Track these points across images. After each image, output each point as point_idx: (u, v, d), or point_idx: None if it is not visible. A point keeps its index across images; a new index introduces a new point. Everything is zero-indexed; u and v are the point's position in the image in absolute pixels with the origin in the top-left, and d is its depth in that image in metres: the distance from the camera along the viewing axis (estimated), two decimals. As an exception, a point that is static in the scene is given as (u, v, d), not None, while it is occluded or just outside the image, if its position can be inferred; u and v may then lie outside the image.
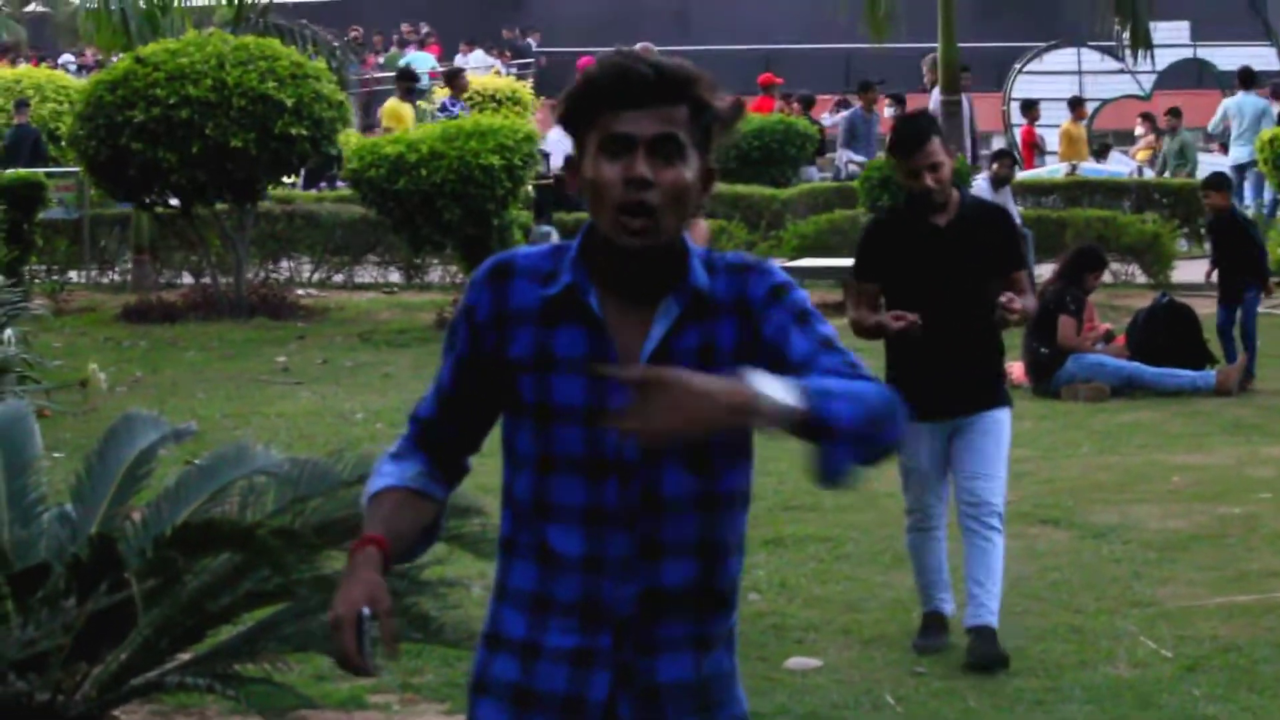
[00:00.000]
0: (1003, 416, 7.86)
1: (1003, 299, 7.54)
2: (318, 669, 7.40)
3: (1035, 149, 30.02)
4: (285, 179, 22.29)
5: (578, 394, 3.40)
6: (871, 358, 4.87)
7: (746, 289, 3.43)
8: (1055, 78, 34.21)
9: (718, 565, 3.47)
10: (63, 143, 22.85)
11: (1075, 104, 30.17)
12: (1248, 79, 27.31)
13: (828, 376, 3.29)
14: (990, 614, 7.78)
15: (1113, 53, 33.53)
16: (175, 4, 23.09)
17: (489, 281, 3.49)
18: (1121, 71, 33.82)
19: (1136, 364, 15.12)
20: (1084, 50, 34.75)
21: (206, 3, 25.77)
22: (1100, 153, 29.34)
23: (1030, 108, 30.12)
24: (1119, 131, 33.53)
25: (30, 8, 38.72)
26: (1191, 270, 19.49)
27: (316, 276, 22.97)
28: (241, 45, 19.65)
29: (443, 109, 23.46)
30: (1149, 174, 27.97)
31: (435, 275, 22.64)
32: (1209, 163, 27.88)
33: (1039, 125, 30.19)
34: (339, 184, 26.01)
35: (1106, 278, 16.99)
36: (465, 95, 25.18)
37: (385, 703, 7.30)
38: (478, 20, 41.35)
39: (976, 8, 33.65)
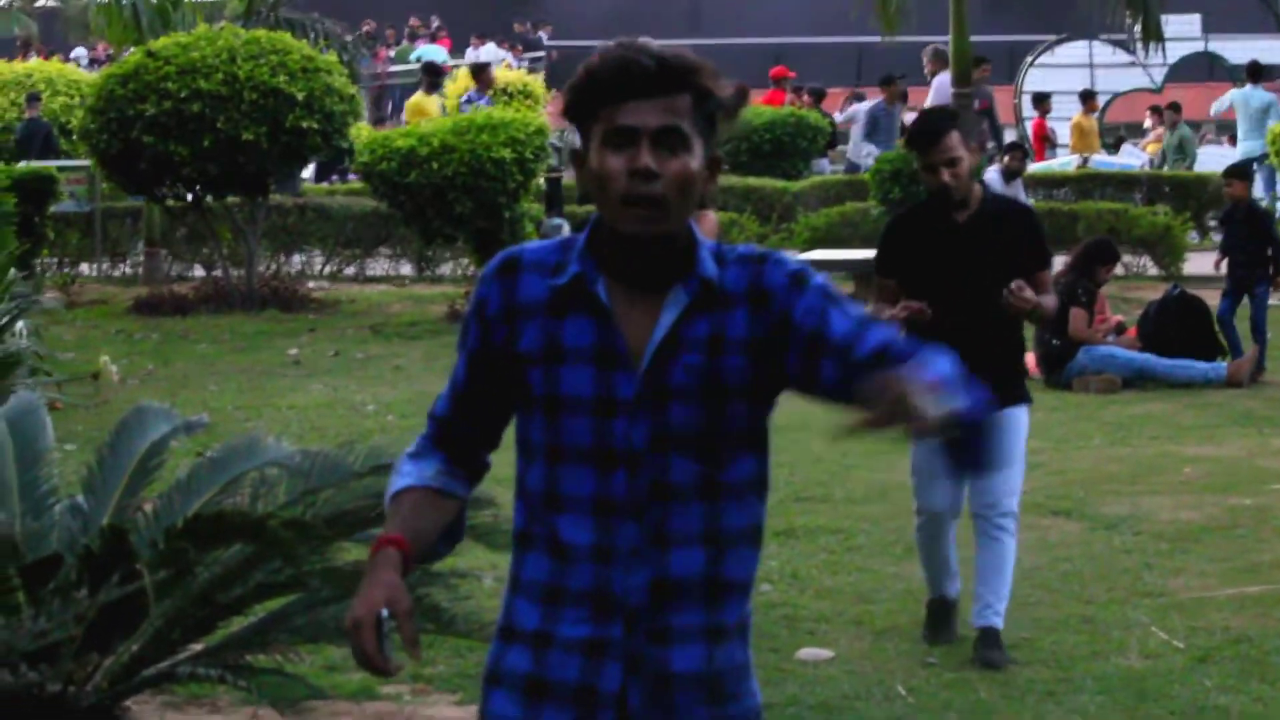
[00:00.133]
0: (1020, 414, 7.74)
1: (1013, 284, 7.44)
2: (329, 660, 7.41)
3: (1046, 142, 29.99)
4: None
5: (586, 385, 3.40)
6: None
7: (762, 279, 3.43)
8: (1066, 71, 34.18)
9: (726, 554, 3.45)
10: (74, 136, 22.87)
11: (1086, 97, 30.13)
12: (1256, 73, 27.29)
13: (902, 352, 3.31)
14: (996, 615, 7.75)
15: (1124, 46, 33.47)
16: (186, -2, 23.14)
17: (497, 276, 3.50)
18: (1133, 65, 33.77)
19: (1148, 356, 15.12)
20: (1095, 43, 34.72)
21: (217, -3, 25.82)
22: (1114, 146, 29.31)
23: (1041, 101, 30.08)
24: (1130, 124, 33.50)
25: (42, 2, 38.72)
26: (1203, 262, 19.48)
27: (328, 269, 22.97)
28: (253, 39, 19.66)
29: (468, 102, 23.48)
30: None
31: (446, 268, 22.63)
32: (1218, 155, 27.84)
33: (1050, 118, 30.16)
34: (350, 177, 26.02)
35: (1118, 270, 16.97)
36: (491, 90, 25.22)
37: (396, 693, 7.31)
38: (489, 14, 41.36)
39: (987, 1, 33.64)
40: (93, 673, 5.98)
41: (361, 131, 21.34)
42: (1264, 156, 25.20)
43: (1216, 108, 28.78)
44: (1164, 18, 24.83)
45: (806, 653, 7.86)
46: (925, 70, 25.23)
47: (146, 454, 6.53)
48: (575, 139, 3.52)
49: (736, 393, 3.41)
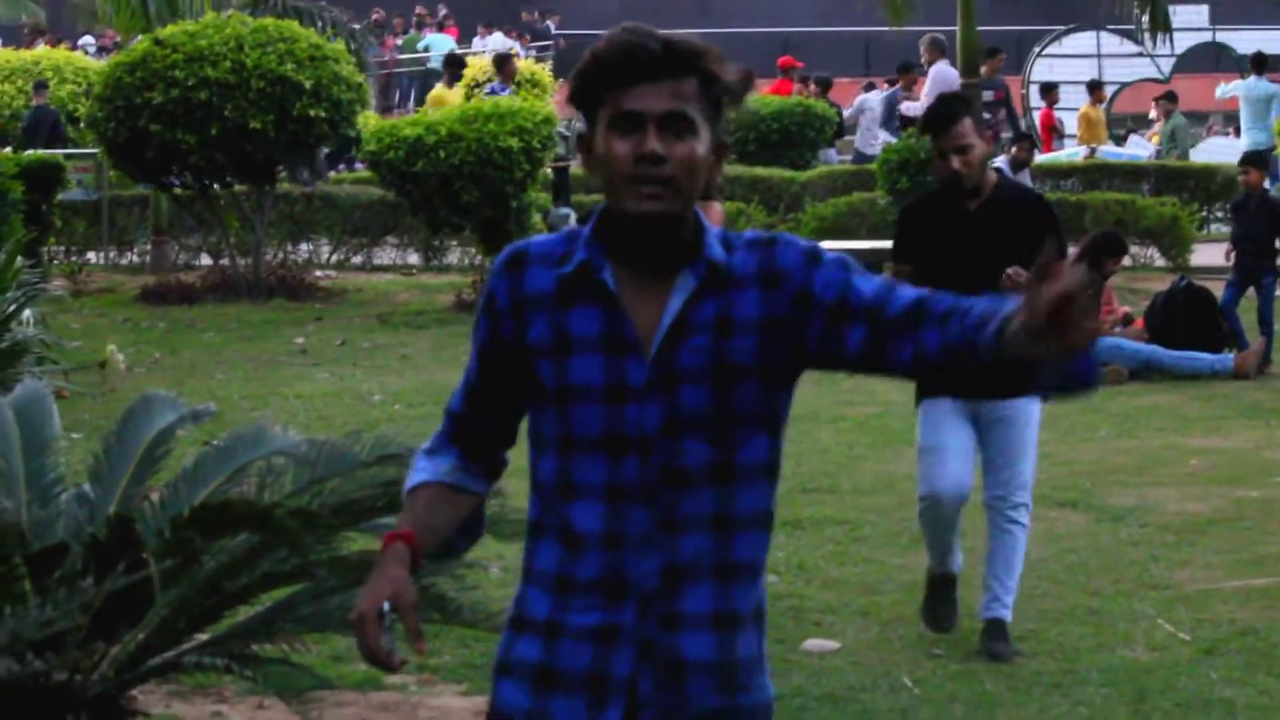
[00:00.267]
0: (1032, 405, 7.71)
1: (1010, 270, 7.39)
2: (335, 650, 7.42)
3: (1054, 132, 29.93)
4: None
5: (596, 373, 3.40)
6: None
7: (775, 260, 3.43)
8: (1074, 61, 34.11)
9: (735, 538, 3.45)
10: (81, 124, 22.87)
11: (1094, 87, 30.09)
12: (1260, 64, 27.23)
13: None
14: (1003, 608, 7.74)
15: (1131, 36, 33.39)
16: (194, -14, 23.09)
17: (505, 270, 3.50)
18: (1140, 55, 33.68)
19: (1154, 347, 15.12)
20: (1103, 34, 34.65)
21: (225, -15, 25.76)
22: (1122, 138, 29.27)
23: (1049, 91, 30.03)
24: (1137, 115, 33.45)
25: (49, -11, 38.73)
26: (1210, 253, 19.46)
27: (335, 258, 22.98)
28: (260, 27, 19.67)
29: (491, 94, 23.47)
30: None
31: (453, 257, 22.64)
32: (1224, 146, 27.80)
33: (1058, 108, 30.11)
34: (357, 166, 26.02)
35: (1125, 261, 16.95)
36: (514, 82, 25.20)
37: (402, 683, 7.31)
38: (496, 2, 41.31)
39: (995, -10, 33.63)
40: (99, 662, 5.98)
41: (369, 120, 21.32)
42: (1272, 149, 25.15)
43: (1221, 93, 28.75)
44: (1172, 8, 24.83)
45: (813, 644, 7.86)
46: (923, 60, 25.21)
47: (153, 443, 6.52)
48: (582, 126, 3.52)
49: (746, 373, 3.40)
